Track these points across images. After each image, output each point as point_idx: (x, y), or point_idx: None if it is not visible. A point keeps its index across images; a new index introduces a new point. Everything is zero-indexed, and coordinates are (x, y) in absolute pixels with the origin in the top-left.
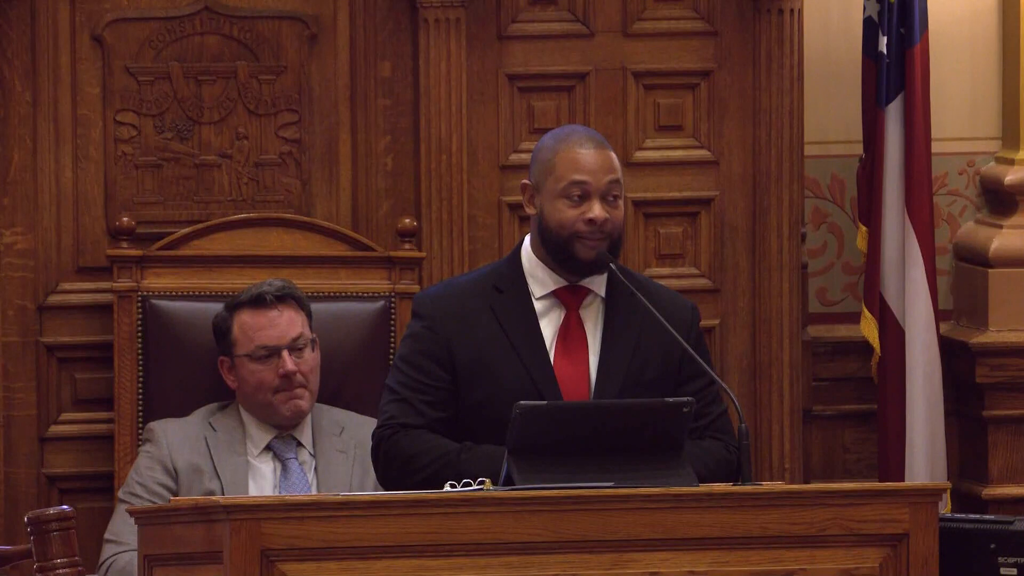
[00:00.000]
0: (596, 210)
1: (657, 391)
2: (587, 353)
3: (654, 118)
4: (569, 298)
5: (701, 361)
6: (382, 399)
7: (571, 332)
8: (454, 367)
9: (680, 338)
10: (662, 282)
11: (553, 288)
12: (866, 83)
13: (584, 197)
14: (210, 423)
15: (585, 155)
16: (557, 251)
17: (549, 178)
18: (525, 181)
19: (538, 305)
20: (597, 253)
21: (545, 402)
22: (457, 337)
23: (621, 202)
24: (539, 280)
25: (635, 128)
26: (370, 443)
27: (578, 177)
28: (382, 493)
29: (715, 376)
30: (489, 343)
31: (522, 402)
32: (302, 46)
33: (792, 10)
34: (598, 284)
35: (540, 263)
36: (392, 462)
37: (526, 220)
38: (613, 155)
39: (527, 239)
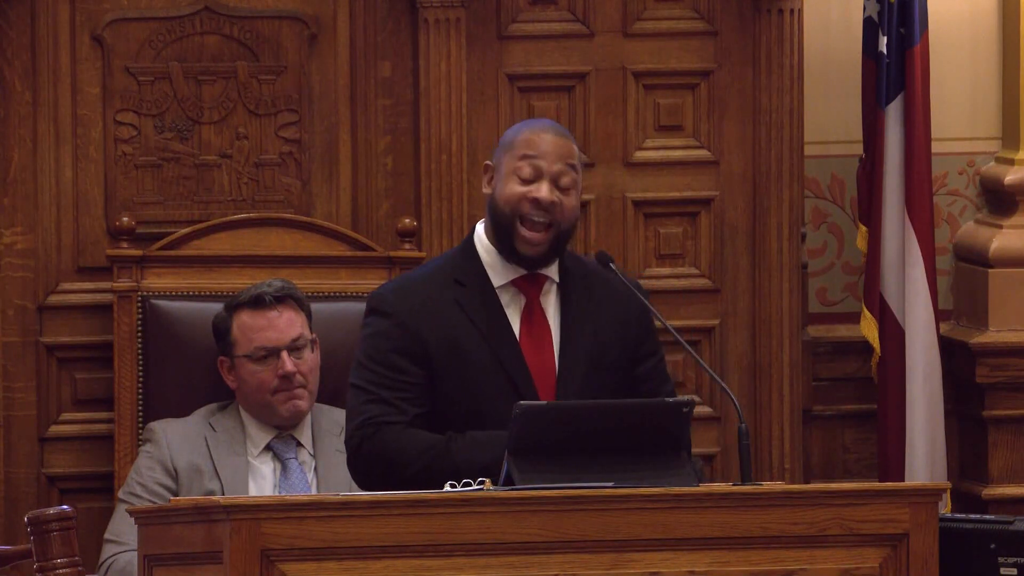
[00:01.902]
0: (543, 191)
1: (618, 373)
2: (551, 339)
3: (654, 118)
4: (527, 286)
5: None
6: (351, 400)
7: (534, 319)
8: (429, 361)
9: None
10: (662, 282)
11: (512, 277)
12: (866, 83)
13: (534, 177)
14: (210, 423)
15: (544, 138)
16: (502, 234)
17: (506, 155)
18: (488, 162)
19: (499, 294)
20: (535, 256)
21: (545, 402)
22: (428, 331)
23: (575, 194)
24: (496, 269)
25: (635, 128)
26: None
27: (531, 153)
28: (382, 493)
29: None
30: (460, 335)
31: (522, 402)
32: (302, 46)
33: (792, 10)
34: (554, 271)
35: (494, 251)
36: (377, 460)
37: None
38: (575, 147)
39: (479, 226)
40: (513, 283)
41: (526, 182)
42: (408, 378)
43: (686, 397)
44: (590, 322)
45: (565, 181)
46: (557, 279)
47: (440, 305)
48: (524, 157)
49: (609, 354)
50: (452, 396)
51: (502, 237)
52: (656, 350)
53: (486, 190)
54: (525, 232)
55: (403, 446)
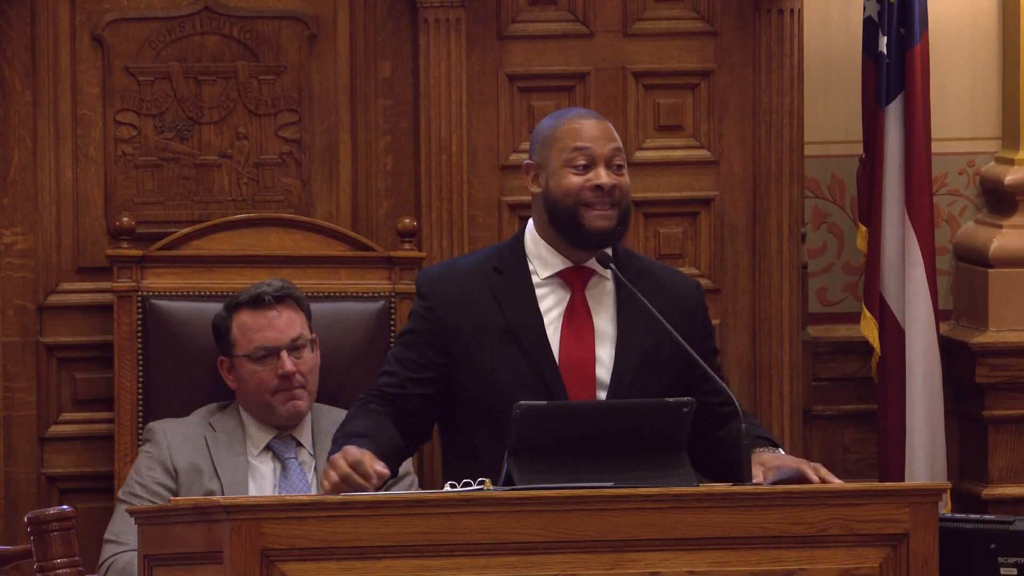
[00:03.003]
0: (603, 176)
1: (672, 370)
2: (592, 335)
3: (654, 118)
4: (574, 279)
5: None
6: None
7: (577, 313)
8: (448, 350)
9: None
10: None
11: (558, 269)
12: (866, 83)
13: (589, 165)
14: (210, 423)
15: (586, 124)
16: (565, 223)
17: (552, 150)
18: (527, 161)
19: (540, 286)
20: (608, 229)
21: (545, 402)
22: (455, 321)
23: (626, 171)
24: (544, 261)
25: (635, 128)
26: None
27: (581, 143)
28: (382, 493)
29: (706, 371)
30: (487, 327)
31: (522, 402)
32: (302, 46)
33: (792, 10)
34: (602, 266)
35: (545, 244)
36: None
37: (526, 220)
38: (612, 127)
39: (530, 223)
40: (559, 275)
41: (582, 171)
42: (422, 360)
43: (686, 397)
44: (646, 315)
45: (617, 161)
46: (606, 274)
47: (475, 293)
48: (575, 149)
49: (663, 351)
50: (471, 386)
51: (565, 227)
52: (713, 350)
53: (534, 189)
54: (593, 212)
55: (346, 419)
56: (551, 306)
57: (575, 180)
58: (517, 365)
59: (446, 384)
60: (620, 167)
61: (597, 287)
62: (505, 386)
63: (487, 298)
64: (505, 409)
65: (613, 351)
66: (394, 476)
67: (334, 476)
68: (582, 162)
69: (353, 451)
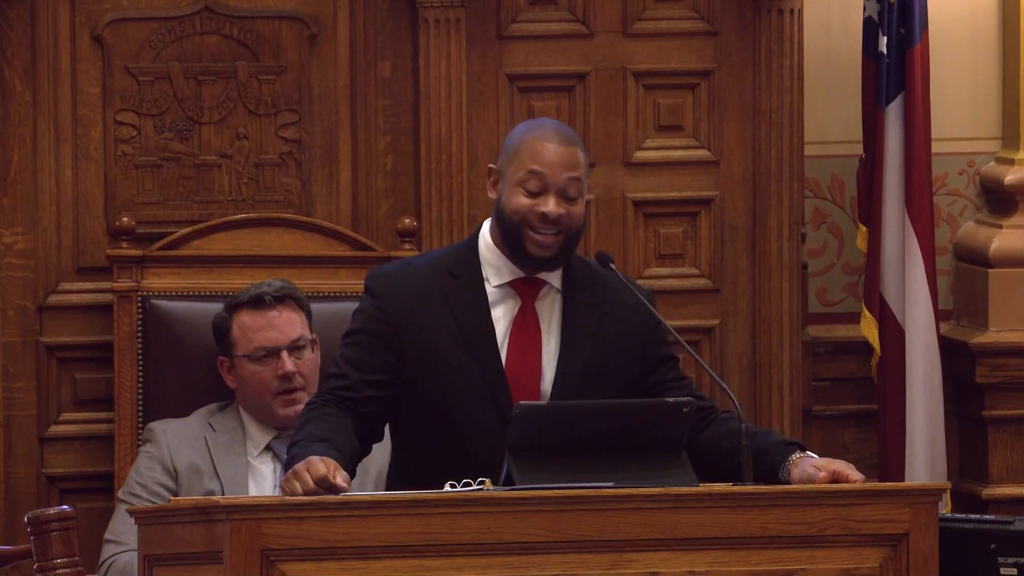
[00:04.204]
0: (550, 205)
1: (618, 382)
2: (540, 347)
3: (654, 118)
4: (525, 289)
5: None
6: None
7: (525, 325)
8: (401, 350)
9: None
10: (662, 282)
11: (509, 279)
12: (866, 83)
13: (541, 190)
14: (210, 423)
15: (549, 148)
16: (510, 240)
17: (511, 165)
18: (492, 165)
19: (492, 293)
20: (545, 257)
21: (545, 402)
22: (407, 321)
23: (582, 200)
24: (495, 268)
25: (635, 128)
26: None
27: (536, 167)
28: (382, 493)
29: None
30: (439, 331)
31: (522, 402)
32: (302, 46)
33: (792, 10)
34: (554, 277)
35: (497, 251)
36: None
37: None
38: (580, 152)
39: (486, 224)
40: (510, 284)
41: (532, 195)
42: (374, 361)
43: (686, 397)
44: (592, 329)
45: (572, 192)
46: (558, 285)
47: (428, 295)
48: (530, 172)
49: (610, 362)
50: (420, 387)
51: (510, 241)
52: (669, 356)
53: (491, 194)
54: (535, 236)
55: (299, 424)
56: (500, 315)
57: (524, 202)
58: (467, 372)
59: (397, 385)
60: (573, 199)
61: (547, 298)
62: (453, 391)
63: (440, 301)
64: (450, 415)
65: (555, 364)
66: (354, 476)
67: (299, 489)
68: (534, 187)
69: (317, 464)
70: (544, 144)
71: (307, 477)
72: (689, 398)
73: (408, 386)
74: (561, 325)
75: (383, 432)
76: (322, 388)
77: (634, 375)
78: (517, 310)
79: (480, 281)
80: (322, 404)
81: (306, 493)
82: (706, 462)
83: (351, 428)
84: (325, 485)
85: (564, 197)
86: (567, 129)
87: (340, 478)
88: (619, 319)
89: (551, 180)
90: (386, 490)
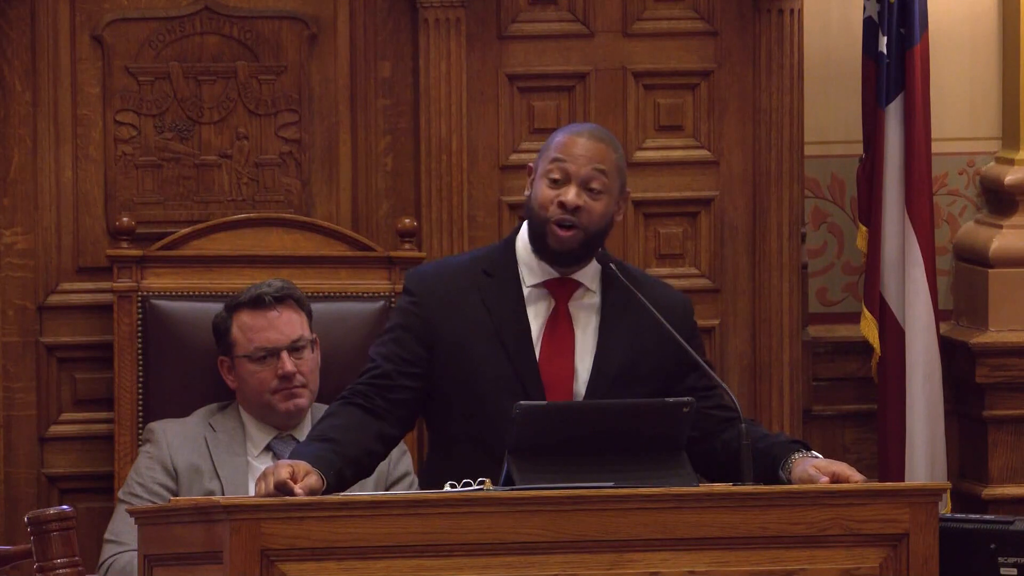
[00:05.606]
0: (570, 194)
1: (650, 386)
2: (572, 348)
3: (654, 118)
4: (559, 290)
5: (705, 364)
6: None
7: (558, 325)
8: (435, 347)
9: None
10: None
11: (543, 279)
12: (866, 83)
13: (563, 180)
14: (210, 423)
15: (578, 142)
16: (536, 233)
17: (542, 159)
18: (529, 164)
19: (528, 293)
20: (564, 251)
21: (545, 402)
22: (441, 319)
23: (608, 197)
24: (530, 268)
25: (635, 128)
26: None
27: (561, 156)
28: (382, 493)
29: (711, 372)
30: (474, 328)
31: (522, 402)
32: (302, 46)
33: (792, 10)
34: (590, 278)
35: (533, 250)
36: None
37: (523, 220)
38: (611, 151)
39: (524, 225)
40: (545, 284)
41: (555, 184)
42: (408, 356)
43: (686, 397)
44: (627, 333)
45: (595, 185)
46: (594, 287)
47: (463, 294)
48: (555, 160)
49: (642, 367)
50: (455, 383)
51: (536, 237)
52: (706, 362)
53: (526, 192)
54: (556, 230)
55: (322, 416)
56: (534, 315)
57: (547, 193)
58: (500, 370)
59: (429, 380)
60: (597, 192)
61: (582, 299)
62: (486, 389)
63: (475, 300)
64: (484, 412)
65: (591, 366)
66: (367, 475)
67: (262, 490)
68: (556, 175)
69: (282, 469)
70: (574, 138)
71: (270, 480)
72: (689, 398)
73: (443, 382)
74: (599, 327)
75: (412, 423)
76: (355, 380)
77: (666, 379)
78: (551, 310)
79: (516, 280)
80: (349, 396)
81: (267, 495)
82: (719, 465)
83: (369, 426)
84: (284, 490)
85: (586, 188)
86: (604, 131)
87: (301, 485)
88: (656, 323)
89: (574, 170)
90: (420, 487)
